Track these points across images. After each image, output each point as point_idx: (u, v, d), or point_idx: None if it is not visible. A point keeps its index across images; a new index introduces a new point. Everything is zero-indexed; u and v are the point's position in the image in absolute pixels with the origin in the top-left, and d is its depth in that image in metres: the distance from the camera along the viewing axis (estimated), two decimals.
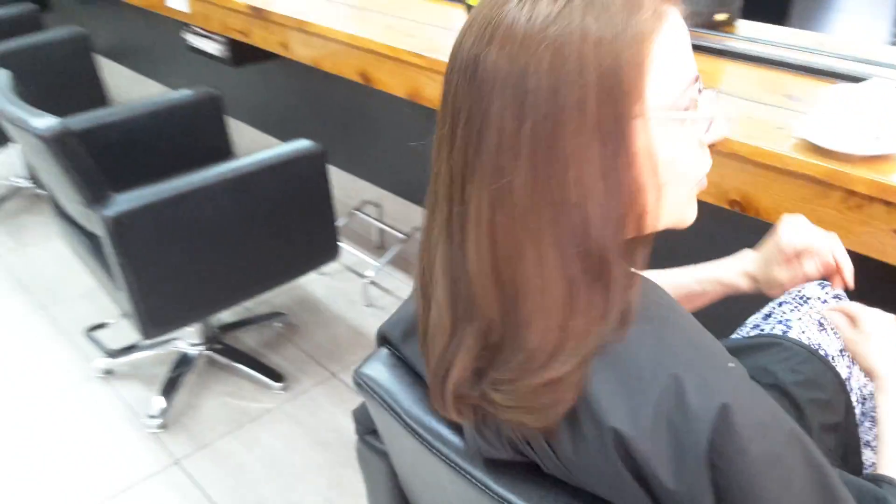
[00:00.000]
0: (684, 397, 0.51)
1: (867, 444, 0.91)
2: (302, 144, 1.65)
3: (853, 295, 0.95)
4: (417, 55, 1.50)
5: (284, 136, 1.80)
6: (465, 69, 0.52)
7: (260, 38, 2.00)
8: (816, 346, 0.89)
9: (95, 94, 2.59)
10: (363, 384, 0.77)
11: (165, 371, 1.86)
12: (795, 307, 0.94)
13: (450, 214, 0.55)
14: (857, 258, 1.00)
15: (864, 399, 0.92)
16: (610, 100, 0.50)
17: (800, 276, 0.88)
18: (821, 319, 0.92)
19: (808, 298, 0.94)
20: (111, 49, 3.58)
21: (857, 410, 0.90)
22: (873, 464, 0.93)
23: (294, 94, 2.61)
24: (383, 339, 0.75)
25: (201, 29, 2.29)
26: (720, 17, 1.56)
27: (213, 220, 1.57)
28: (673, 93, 0.52)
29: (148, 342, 1.95)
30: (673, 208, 0.57)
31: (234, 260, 1.63)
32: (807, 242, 0.87)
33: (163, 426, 1.75)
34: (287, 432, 1.74)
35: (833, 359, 0.89)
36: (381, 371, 0.77)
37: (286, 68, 2.33)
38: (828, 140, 0.99)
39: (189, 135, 2.00)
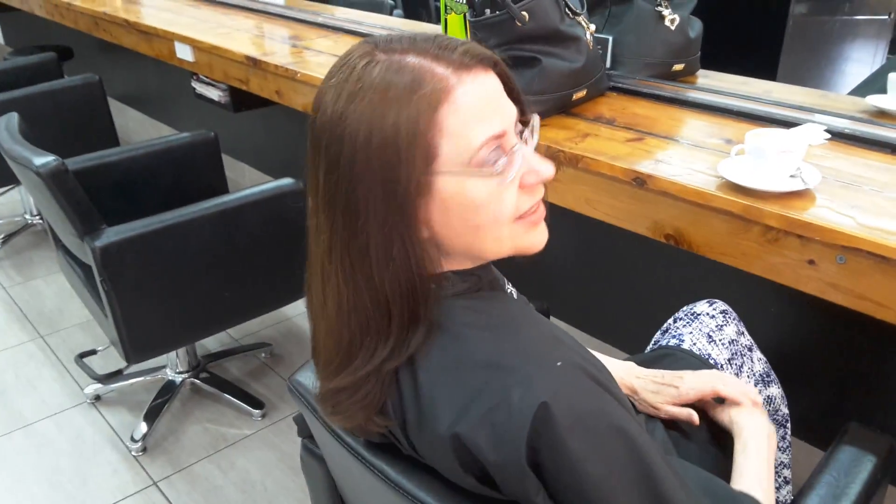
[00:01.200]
0: (509, 397, 0.57)
1: None
2: (284, 182, 1.75)
3: (774, 317, 1.03)
4: None
5: (281, 175, 1.91)
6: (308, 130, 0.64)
7: (257, 85, 2.14)
8: (707, 356, 0.96)
9: (106, 137, 2.74)
10: (293, 389, 0.85)
11: (150, 397, 1.94)
12: (688, 322, 1.01)
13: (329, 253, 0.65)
14: (774, 286, 1.08)
15: (763, 403, 0.99)
16: (396, 162, 0.58)
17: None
18: (709, 332, 0.99)
19: (699, 315, 1.02)
20: (127, 95, 3.77)
21: None
22: (782, 463, 0.99)
23: (289, 136, 2.75)
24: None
25: (206, 77, 2.44)
26: (678, 67, 1.66)
27: (197, 252, 1.67)
28: (467, 152, 0.60)
29: (136, 370, 2.04)
30: (503, 241, 0.65)
31: (217, 290, 1.72)
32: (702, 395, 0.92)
33: (143, 450, 1.83)
34: (262, 457, 1.80)
35: (722, 367, 0.96)
36: (310, 378, 0.85)
37: (283, 113, 2.46)
38: (745, 179, 1.07)
39: (186, 174, 2.12)
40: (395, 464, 0.69)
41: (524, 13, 1.33)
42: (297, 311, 2.39)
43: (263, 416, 1.93)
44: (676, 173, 1.16)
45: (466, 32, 1.54)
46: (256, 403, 1.94)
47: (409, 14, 4.68)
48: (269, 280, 1.80)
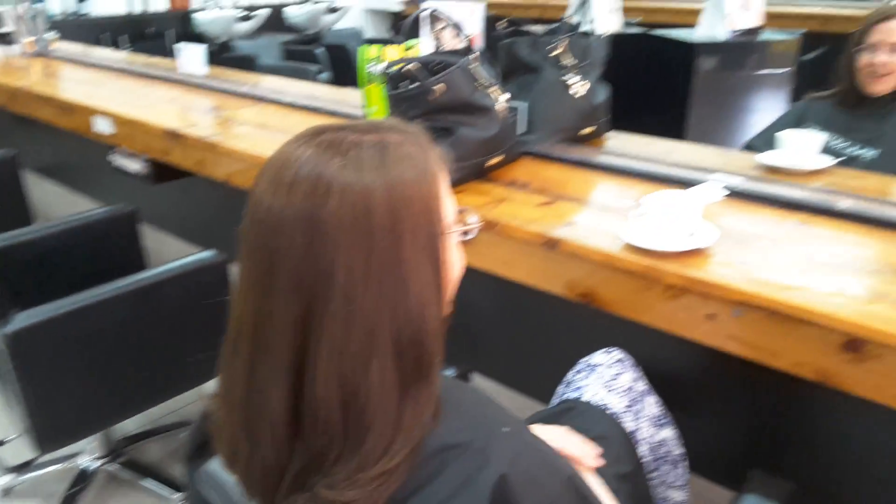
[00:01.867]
0: (469, 477, 0.60)
1: (671, 484, 1.01)
2: (204, 255, 1.74)
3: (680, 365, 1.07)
4: None
5: (206, 245, 1.89)
6: (295, 222, 0.60)
7: (179, 157, 2.13)
8: (605, 406, 1.00)
9: (20, 213, 2.66)
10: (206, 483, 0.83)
11: (63, 487, 1.85)
12: (586, 374, 1.06)
13: (289, 350, 0.61)
14: (679, 339, 1.13)
15: (655, 447, 1.03)
16: (429, 224, 0.62)
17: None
18: (606, 382, 1.03)
19: (596, 366, 1.07)
20: (45, 167, 3.69)
21: (650, 458, 1.00)
22: (680, 502, 1.03)
23: (212, 205, 2.74)
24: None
25: (126, 149, 2.42)
26: (587, 131, 1.75)
27: (113, 333, 1.62)
28: (452, 212, 0.66)
29: (49, 458, 1.94)
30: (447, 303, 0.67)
31: (135, 372, 1.67)
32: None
33: None
34: None
35: (621, 415, 1.00)
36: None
37: (205, 182, 2.46)
38: (644, 241, 1.13)
39: (104, 250, 2.07)
40: None
41: (437, 86, 1.39)
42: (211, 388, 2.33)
43: (182, 500, 1.86)
44: (584, 236, 1.21)
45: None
46: (176, 487, 1.87)
47: (339, 77, 4.77)
48: (191, 357, 1.76)
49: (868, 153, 1.81)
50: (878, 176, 1.53)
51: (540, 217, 1.30)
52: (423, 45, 1.74)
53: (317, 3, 6.43)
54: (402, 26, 1.54)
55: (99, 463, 1.93)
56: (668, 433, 1.10)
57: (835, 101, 1.90)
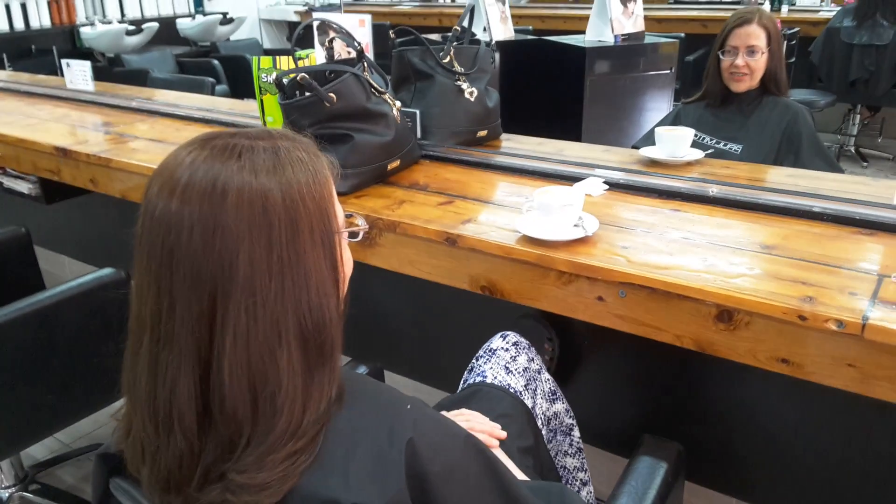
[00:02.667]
0: (381, 450, 0.65)
1: (565, 452, 1.10)
2: (104, 272, 1.70)
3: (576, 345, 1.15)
4: None
5: (103, 263, 1.84)
6: (193, 221, 0.63)
7: (70, 175, 2.07)
8: (507, 386, 1.08)
9: None
10: (121, 489, 0.83)
11: None
12: (487, 359, 1.13)
13: (193, 345, 0.64)
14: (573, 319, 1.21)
15: (549, 419, 1.11)
16: (323, 222, 0.67)
17: None
18: (506, 364, 1.11)
19: (495, 350, 1.14)
20: None
21: (545, 430, 1.09)
22: (575, 467, 1.12)
23: (108, 223, 2.66)
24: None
25: (14, 170, 2.32)
26: (482, 133, 1.83)
27: (14, 357, 1.57)
28: (342, 214, 0.71)
29: None
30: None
31: (39, 395, 1.62)
32: None
33: None
34: None
35: (520, 393, 1.08)
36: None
37: (100, 200, 2.39)
38: (536, 231, 1.21)
39: None
40: None
41: (331, 95, 1.43)
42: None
43: None
44: (483, 231, 1.27)
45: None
46: None
47: (237, 89, 4.70)
48: (97, 376, 1.72)
49: (734, 148, 1.97)
50: (746, 164, 1.68)
51: (440, 216, 1.36)
52: (317, 55, 1.77)
53: (208, 14, 6.30)
54: (294, 37, 1.56)
55: (10, 491, 1.85)
56: (560, 406, 1.19)
57: (705, 103, 2.06)
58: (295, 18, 6.79)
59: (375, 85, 1.53)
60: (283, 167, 0.65)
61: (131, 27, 5.49)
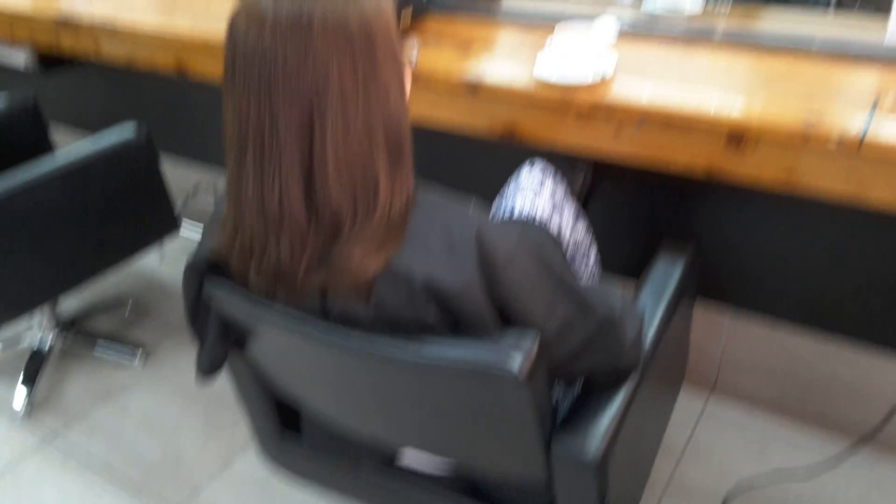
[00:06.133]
0: (454, 239, 0.74)
1: (581, 277, 1.22)
2: (125, 127, 1.70)
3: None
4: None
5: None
6: (286, 47, 0.68)
7: (70, 45, 2.00)
8: (533, 215, 1.18)
9: None
10: (215, 294, 0.90)
11: (22, 365, 1.86)
12: (515, 189, 1.23)
13: (297, 152, 0.71)
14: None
15: (572, 245, 1.23)
16: (392, 45, 0.73)
17: None
18: (533, 193, 1.21)
19: (523, 179, 1.24)
20: None
21: (570, 254, 1.20)
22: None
23: (114, 91, 2.60)
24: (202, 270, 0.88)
25: (7, 41, 2.23)
26: None
27: (46, 215, 1.59)
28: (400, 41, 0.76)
29: None
30: None
31: (71, 247, 1.66)
32: None
33: (28, 415, 1.77)
34: (156, 395, 1.81)
35: (548, 220, 1.18)
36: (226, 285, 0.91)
37: (103, 68, 2.33)
38: (555, 75, 1.26)
39: (7, 145, 1.97)
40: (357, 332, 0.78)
41: None
42: (152, 265, 2.34)
43: (145, 362, 1.92)
44: (502, 78, 1.31)
45: None
46: (134, 351, 1.93)
47: None
48: (126, 230, 1.77)
49: None
50: (743, 8, 1.71)
51: (459, 67, 1.39)
52: None
53: None
54: None
55: (51, 337, 1.93)
56: (582, 231, 1.29)
57: None
58: None
59: None
60: None
61: None
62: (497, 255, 0.74)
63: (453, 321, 0.77)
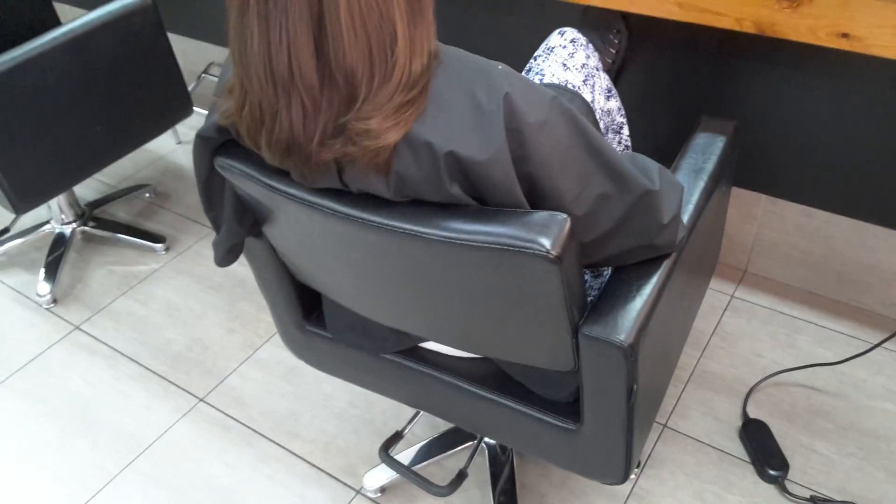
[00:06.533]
0: (481, 103, 0.66)
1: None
2: None
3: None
4: None
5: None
6: None
7: None
8: (565, 83, 1.09)
9: None
10: (228, 168, 0.86)
11: (44, 254, 1.86)
12: (545, 57, 1.13)
13: (305, 4, 0.62)
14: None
15: (606, 114, 1.15)
16: None
17: None
18: (563, 62, 1.11)
19: (553, 48, 1.13)
20: None
21: (602, 125, 1.13)
22: None
23: None
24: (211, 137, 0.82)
25: None
26: None
27: (56, 87, 1.54)
28: None
29: (19, 229, 1.93)
30: None
31: (87, 122, 1.61)
32: None
33: (54, 301, 1.78)
34: (179, 284, 1.81)
35: (579, 88, 1.09)
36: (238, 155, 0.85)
37: None
38: None
39: (14, 21, 1.89)
40: (378, 207, 0.74)
41: None
42: (168, 149, 2.29)
43: (167, 249, 1.91)
44: None
45: None
46: (156, 238, 1.91)
47: None
48: (138, 107, 1.71)
49: None
50: None
51: None
52: None
53: None
54: None
55: (72, 226, 1.92)
56: (614, 104, 1.20)
57: None
58: None
59: None
60: None
61: None
62: (527, 120, 0.67)
63: (479, 198, 0.71)
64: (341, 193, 0.75)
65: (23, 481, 1.39)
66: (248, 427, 1.46)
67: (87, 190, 2.14)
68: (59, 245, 1.87)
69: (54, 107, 1.54)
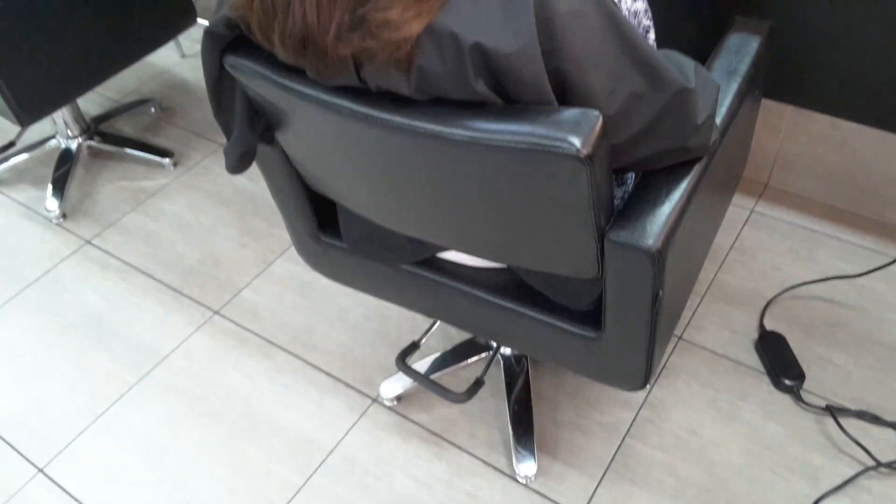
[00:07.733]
0: None
1: None
2: None
3: None
4: None
5: None
6: None
7: None
8: None
9: None
10: (239, 67, 0.81)
11: (51, 169, 1.83)
12: None
13: None
14: None
15: (632, 14, 1.09)
16: None
17: None
18: None
19: None
20: None
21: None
22: None
23: None
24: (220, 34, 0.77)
25: None
26: None
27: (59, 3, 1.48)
28: None
29: (24, 144, 1.89)
30: None
31: (87, 29, 1.55)
32: None
33: (63, 216, 1.76)
34: (189, 200, 1.78)
35: None
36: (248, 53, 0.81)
37: None
38: None
39: None
40: (398, 106, 0.70)
41: None
42: (172, 63, 2.22)
43: (175, 164, 1.88)
44: None
45: None
46: (164, 153, 1.87)
47: None
48: (139, 14, 1.64)
49: None
50: None
51: None
52: None
53: None
54: None
55: (78, 140, 1.88)
56: (641, 4, 1.13)
57: None
58: None
59: None
60: None
61: None
62: (559, 9, 0.62)
63: (505, 95, 0.67)
64: (359, 92, 0.71)
65: (41, 394, 1.41)
66: (265, 339, 1.47)
67: (91, 105, 2.08)
68: (66, 160, 1.84)
69: (53, 13, 1.47)
